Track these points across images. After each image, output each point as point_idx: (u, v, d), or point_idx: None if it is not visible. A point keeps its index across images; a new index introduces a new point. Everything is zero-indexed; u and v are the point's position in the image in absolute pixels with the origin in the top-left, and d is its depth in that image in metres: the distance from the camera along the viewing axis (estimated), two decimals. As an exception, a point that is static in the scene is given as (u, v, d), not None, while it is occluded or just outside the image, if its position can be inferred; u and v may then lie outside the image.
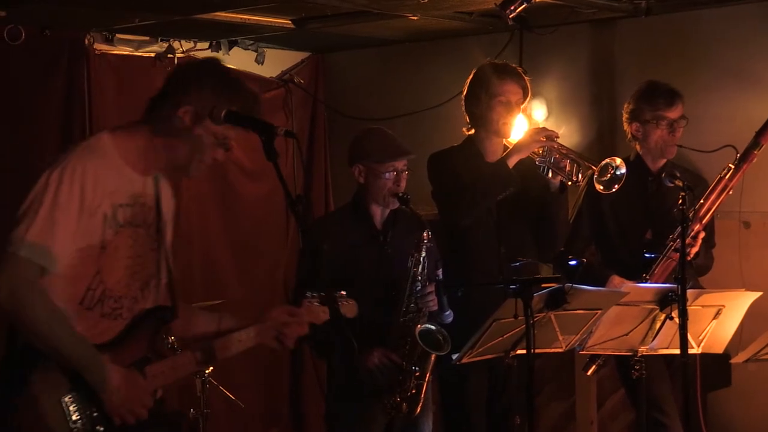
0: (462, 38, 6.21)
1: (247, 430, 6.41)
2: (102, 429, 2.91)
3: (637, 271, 4.35)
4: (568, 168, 4.24)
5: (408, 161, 4.16)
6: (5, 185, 5.39)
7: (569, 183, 4.26)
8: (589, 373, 4.49)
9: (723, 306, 4.05)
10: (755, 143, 4.28)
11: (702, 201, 4.29)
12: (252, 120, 2.96)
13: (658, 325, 4.05)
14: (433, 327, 4.03)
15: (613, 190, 4.11)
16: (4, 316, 2.83)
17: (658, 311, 4.02)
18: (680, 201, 4.03)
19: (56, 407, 2.84)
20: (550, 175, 4.27)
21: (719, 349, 4.19)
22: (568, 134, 5.76)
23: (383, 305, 4.03)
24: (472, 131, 4.45)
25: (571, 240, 4.54)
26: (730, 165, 4.30)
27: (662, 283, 4.23)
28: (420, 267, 4.04)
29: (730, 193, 4.32)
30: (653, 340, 4.09)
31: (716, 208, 4.32)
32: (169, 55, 6.05)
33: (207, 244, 6.38)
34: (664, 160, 4.57)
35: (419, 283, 4.05)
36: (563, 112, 6.02)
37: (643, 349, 4.13)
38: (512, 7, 4.91)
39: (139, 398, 2.94)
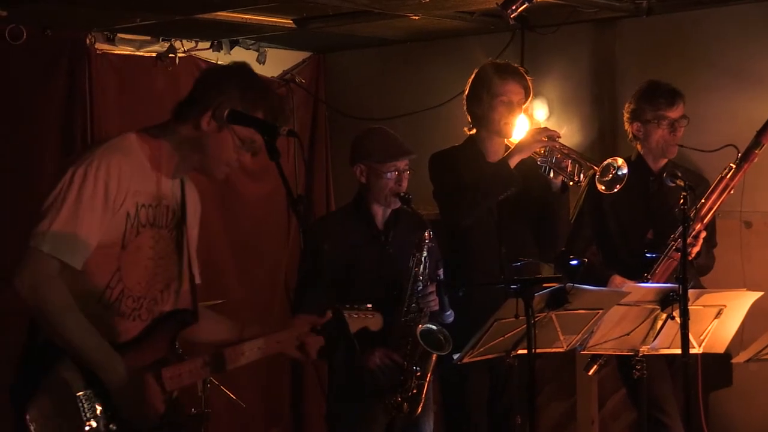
0: (463, 38, 6.21)
1: (248, 430, 6.40)
2: (115, 428, 2.91)
3: (639, 271, 4.35)
4: (569, 168, 4.23)
5: (409, 161, 4.16)
6: (5, 185, 5.40)
7: (571, 183, 4.26)
8: (590, 373, 4.49)
9: (724, 306, 4.05)
10: (756, 142, 4.28)
11: (703, 200, 4.29)
12: (254, 119, 2.97)
13: (659, 325, 4.05)
14: (434, 327, 4.03)
15: (615, 190, 4.11)
16: (27, 311, 2.86)
17: (659, 311, 4.01)
18: (681, 201, 4.03)
19: (72, 402, 2.85)
20: (551, 175, 4.26)
21: (720, 348, 4.19)
22: (569, 134, 5.76)
23: (384, 305, 4.01)
24: (474, 131, 4.45)
25: (572, 240, 4.54)
26: (732, 164, 4.30)
27: (663, 282, 4.23)
28: (421, 267, 4.04)
29: (732, 192, 4.32)
30: (654, 339, 4.09)
31: (717, 207, 4.32)
32: (170, 55, 6.04)
33: (207, 244, 6.35)
34: (666, 160, 4.57)
35: (420, 283, 4.05)
36: (564, 111, 6.02)
37: (645, 349, 4.12)
38: (513, 7, 4.91)
39: (151, 400, 2.93)
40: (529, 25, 5.87)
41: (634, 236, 4.52)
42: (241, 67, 3.12)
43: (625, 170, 4.10)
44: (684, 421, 4.27)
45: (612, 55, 5.90)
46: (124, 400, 2.89)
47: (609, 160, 4.13)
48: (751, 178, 4.42)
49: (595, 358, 4.38)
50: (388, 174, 4.10)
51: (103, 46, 5.82)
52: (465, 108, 4.45)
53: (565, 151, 4.26)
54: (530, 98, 4.46)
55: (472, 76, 4.44)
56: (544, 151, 4.27)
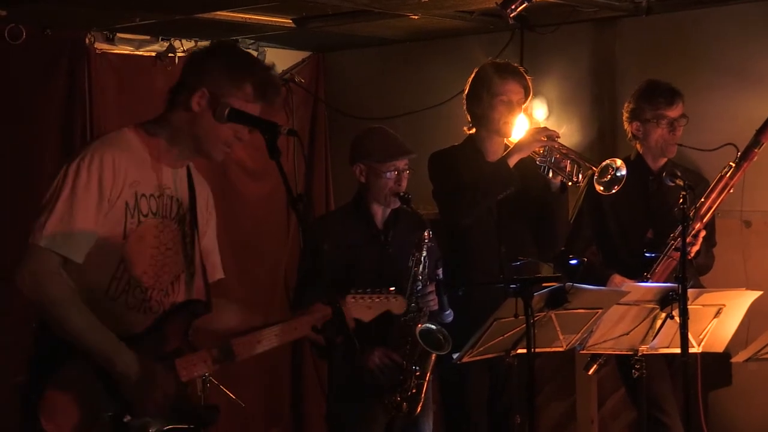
0: (463, 37, 6.21)
1: (247, 430, 6.40)
2: (128, 420, 2.91)
3: (638, 271, 4.36)
4: (568, 168, 4.24)
5: (409, 160, 4.16)
6: (5, 185, 5.40)
7: (569, 183, 4.26)
8: (590, 372, 4.49)
9: (723, 305, 4.05)
10: (756, 141, 4.28)
11: (703, 200, 4.29)
12: (255, 118, 2.98)
13: (658, 325, 4.05)
14: (433, 326, 4.03)
15: (613, 191, 4.11)
16: (29, 309, 2.88)
17: (658, 310, 4.02)
18: (681, 200, 4.03)
19: (84, 396, 2.86)
20: (550, 174, 4.27)
21: (720, 348, 4.19)
22: (568, 134, 5.76)
23: (384, 305, 4.03)
24: (473, 130, 4.45)
25: (571, 239, 4.54)
26: (731, 163, 4.30)
27: (663, 282, 4.23)
28: (421, 266, 4.05)
29: (731, 191, 4.32)
30: (654, 339, 4.09)
31: (717, 206, 4.32)
32: (170, 55, 6.04)
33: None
34: (665, 159, 4.57)
35: (420, 283, 4.05)
36: (564, 111, 6.01)
37: (644, 349, 4.13)
38: (513, 6, 4.91)
39: (163, 390, 2.93)
40: (529, 24, 5.87)
41: (634, 236, 4.52)
42: (227, 45, 3.14)
43: (623, 171, 4.09)
44: (683, 420, 4.26)
45: (612, 55, 5.89)
46: (136, 391, 2.89)
47: (608, 161, 4.13)
48: (750, 177, 4.42)
49: (594, 357, 4.38)
50: (388, 173, 4.11)
51: (102, 46, 5.82)
52: (464, 107, 4.46)
53: (564, 152, 4.26)
54: (530, 98, 4.46)
55: (472, 76, 4.44)
56: (543, 150, 4.27)
